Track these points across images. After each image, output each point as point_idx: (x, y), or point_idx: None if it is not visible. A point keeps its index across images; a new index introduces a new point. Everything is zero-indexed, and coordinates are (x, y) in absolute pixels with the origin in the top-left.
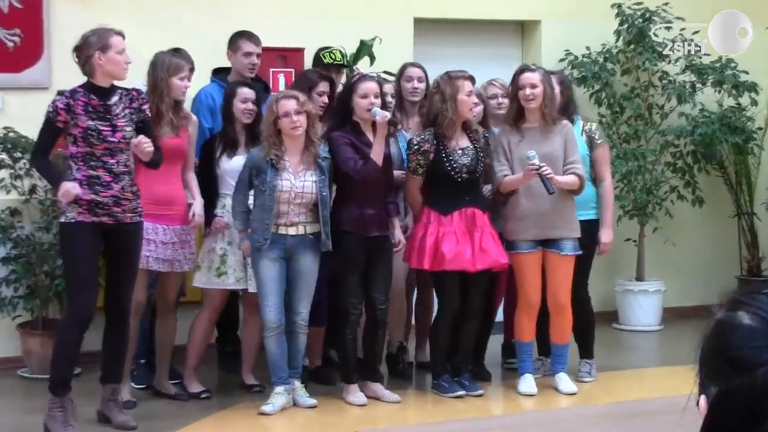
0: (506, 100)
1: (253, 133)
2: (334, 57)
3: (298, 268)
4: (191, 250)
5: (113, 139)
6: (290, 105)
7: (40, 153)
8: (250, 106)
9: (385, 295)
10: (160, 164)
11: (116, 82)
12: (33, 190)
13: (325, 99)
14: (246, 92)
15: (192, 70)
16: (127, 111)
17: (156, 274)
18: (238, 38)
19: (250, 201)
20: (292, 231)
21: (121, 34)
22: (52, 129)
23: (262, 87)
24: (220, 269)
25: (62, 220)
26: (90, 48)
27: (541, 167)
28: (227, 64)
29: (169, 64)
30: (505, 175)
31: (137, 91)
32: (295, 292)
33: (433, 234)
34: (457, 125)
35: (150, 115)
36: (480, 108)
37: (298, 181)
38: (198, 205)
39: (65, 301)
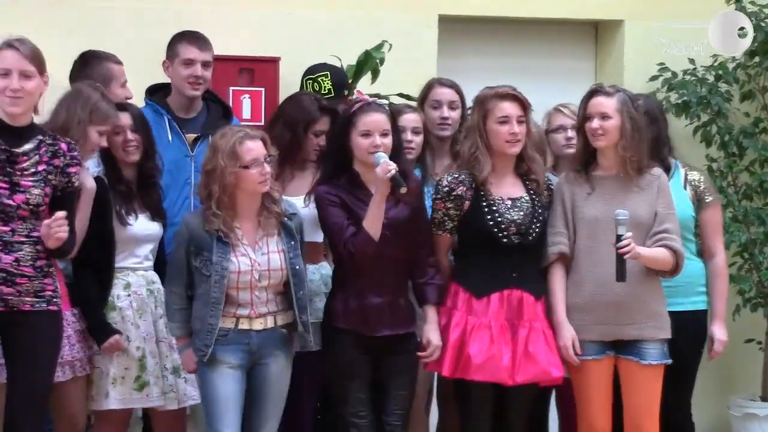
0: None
1: (143, 175)
2: (320, 87)
3: (264, 377)
4: (88, 343)
5: (9, 202)
6: (258, 149)
7: None
8: (129, 135)
9: (401, 420)
10: (68, 255)
11: (40, 121)
12: None
13: (323, 141)
14: (119, 118)
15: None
16: (42, 168)
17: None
18: (176, 42)
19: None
20: (257, 325)
21: (11, 45)
22: None
23: (219, 110)
24: (141, 378)
25: None
26: None
27: (626, 245)
28: (166, 78)
29: (93, 107)
30: (561, 251)
31: (69, 145)
32: (257, 412)
33: (459, 325)
34: (488, 165)
35: (77, 183)
36: (419, 139)
37: (260, 255)
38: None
39: None
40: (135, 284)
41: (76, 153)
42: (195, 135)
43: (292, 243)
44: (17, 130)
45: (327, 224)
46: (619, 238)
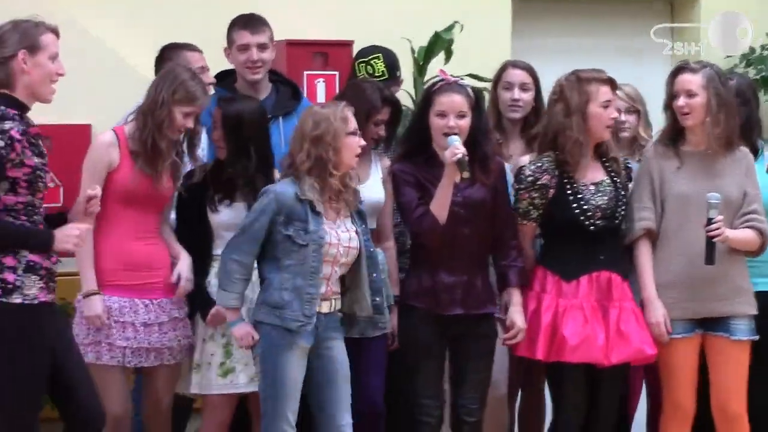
0: (631, 118)
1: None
2: (373, 70)
3: (333, 360)
4: (186, 332)
5: (50, 185)
6: (355, 122)
7: None
8: (216, 135)
9: (478, 403)
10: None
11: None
12: None
13: (383, 131)
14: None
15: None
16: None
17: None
18: (231, 28)
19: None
20: (324, 308)
21: (55, 31)
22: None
23: (288, 91)
24: (225, 365)
25: (14, 300)
26: (8, 46)
27: (716, 229)
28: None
29: (177, 87)
30: (647, 227)
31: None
32: (332, 396)
33: (550, 308)
34: (587, 150)
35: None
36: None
37: (342, 232)
38: (185, 264)
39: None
40: None
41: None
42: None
43: (363, 226)
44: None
45: (399, 202)
46: (710, 221)
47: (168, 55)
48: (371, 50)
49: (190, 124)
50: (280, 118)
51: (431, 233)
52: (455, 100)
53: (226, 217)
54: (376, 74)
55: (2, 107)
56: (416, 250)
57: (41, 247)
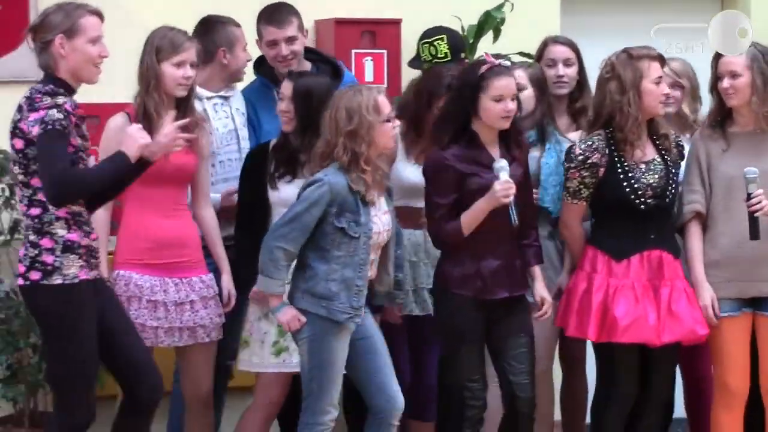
0: (678, 93)
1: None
2: (436, 51)
3: (369, 330)
4: (218, 310)
5: (91, 164)
6: (388, 102)
7: (70, 165)
8: (284, 106)
9: (530, 378)
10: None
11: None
12: (15, 227)
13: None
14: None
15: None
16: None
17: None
18: (258, 22)
19: None
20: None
21: (98, 13)
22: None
23: (329, 71)
24: (279, 344)
25: (54, 281)
26: (51, 29)
27: (757, 203)
28: None
29: (158, 45)
30: (697, 210)
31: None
32: (377, 364)
33: (601, 288)
34: (641, 128)
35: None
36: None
37: (383, 216)
38: (230, 279)
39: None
40: None
41: (22, 104)
42: None
43: (391, 204)
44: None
45: (429, 195)
46: (749, 196)
47: (213, 27)
48: (435, 31)
49: (189, 72)
50: None
51: (451, 241)
52: (510, 83)
53: (284, 194)
54: (439, 55)
55: (51, 86)
56: None
57: (124, 163)
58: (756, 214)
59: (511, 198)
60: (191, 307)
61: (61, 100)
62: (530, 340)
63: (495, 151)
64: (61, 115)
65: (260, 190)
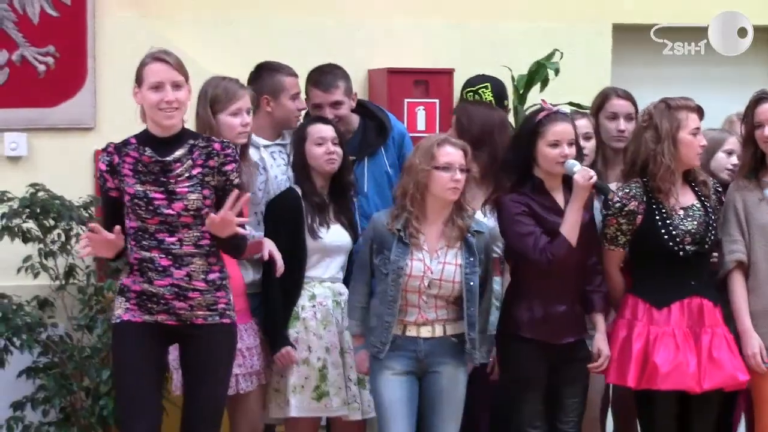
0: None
1: (338, 187)
2: (481, 99)
3: (436, 385)
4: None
5: (169, 212)
6: (457, 156)
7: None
8: (331, 147)
9: (576, 428)
10: (242, 252)
11: (191, 128)
12: (70, 272)
13: None
14: (321, 130)
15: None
16: (197, 171)
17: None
18: (307, 81)
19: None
20: (425, 332)
21: (159, 58)
22: (106, 200)
23: (374, 129)
24: (320, 389)
25: (112, 320)
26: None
27: None
28: None
29: (213, 95)
30: (739, 259)
31: (222, 144)
32: (434, 421)
33: (641, 336)
34: (677, 176)
35: (237, 181)
36: (590, 145)
37: (436, 264)
38: (272, 244)
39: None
40: (320, 295)
41: (230, 150)
42: (352, 159)
43: (471, 259)
44: (167, 140)
45: (517, 233)
46: None
47: (261, 74)
48: (480, 79)
49: (246, 119)
50: (365, 159)
51: (563, 257)
52: (567, 129)
53: (327, 241)
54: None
55: (131, 139)
56: (524, 281)
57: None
58: None
59: (595, 178)
60: (255, 351)
61: (103, 159)
62: (584, 389)
63: (559, 197)
64: (97, 172)
65: (296, 237)
